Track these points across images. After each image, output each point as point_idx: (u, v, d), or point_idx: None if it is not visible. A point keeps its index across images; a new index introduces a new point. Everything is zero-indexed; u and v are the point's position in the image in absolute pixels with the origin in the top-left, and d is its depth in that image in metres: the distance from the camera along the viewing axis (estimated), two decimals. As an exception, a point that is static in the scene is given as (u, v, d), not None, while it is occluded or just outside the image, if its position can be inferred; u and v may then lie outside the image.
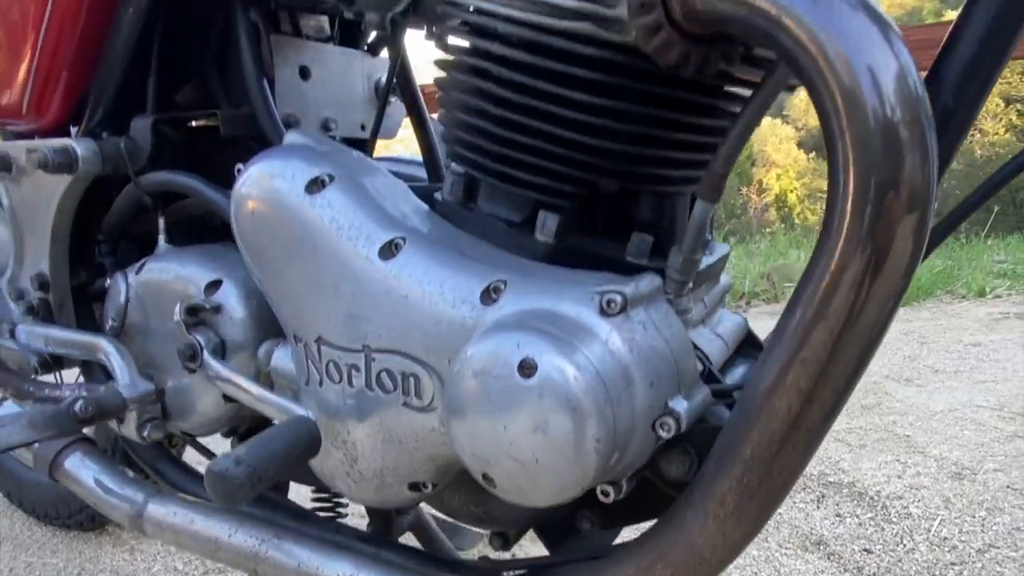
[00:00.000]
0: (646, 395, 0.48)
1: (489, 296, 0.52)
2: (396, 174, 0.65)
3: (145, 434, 0.78)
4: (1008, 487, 1.57)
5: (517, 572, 0.65)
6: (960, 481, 1.61)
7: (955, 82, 0.48)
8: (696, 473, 0.52)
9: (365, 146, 0.91)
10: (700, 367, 0.57)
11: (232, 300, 0.69)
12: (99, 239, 0.89)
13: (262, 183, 0.60)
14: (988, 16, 0.47)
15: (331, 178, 0.59)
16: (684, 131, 0.56)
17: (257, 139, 0.80)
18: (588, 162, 0.55)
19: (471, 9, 0.55)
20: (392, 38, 0.80)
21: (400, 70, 0.86)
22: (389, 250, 0.56)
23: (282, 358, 0.65)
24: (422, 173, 0.93)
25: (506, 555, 1.15)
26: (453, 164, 0.63)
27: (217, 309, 0.69)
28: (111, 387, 0.75)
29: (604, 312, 0.48)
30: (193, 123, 0.85)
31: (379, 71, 0.95)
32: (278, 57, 0.82)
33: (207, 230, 0.84)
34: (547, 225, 0.57)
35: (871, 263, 0.40)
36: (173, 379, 0.77)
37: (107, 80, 0.79)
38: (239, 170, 0.65)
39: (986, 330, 2.83)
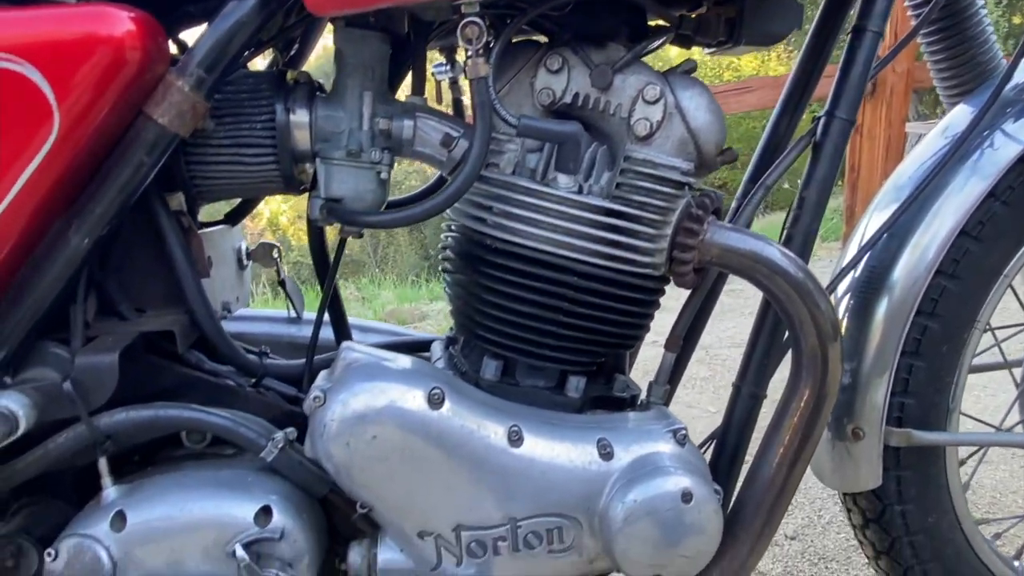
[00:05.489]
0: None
1: (605, 453, 0.72)
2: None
3: None
4: None
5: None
6: None
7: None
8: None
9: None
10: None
11: (291, 521, 0.69)
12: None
13: (373, 411, 0.67)
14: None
15: (441, 391, 0.69)
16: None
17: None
18: (613, 343, 0.79)
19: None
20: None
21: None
22: (513, 437, 0.70)
23: (391, 557, 0.71)
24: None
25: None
26: (486, 356, 0.78)
27: (281, 535, 0.69)
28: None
29: (679, 444, 0.75)
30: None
31: (237, 239, 0.94)
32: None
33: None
34: (578, 386, 0.79)
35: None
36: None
37: (22, 316, 0.65)
38: (317, 398, 0.68)
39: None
